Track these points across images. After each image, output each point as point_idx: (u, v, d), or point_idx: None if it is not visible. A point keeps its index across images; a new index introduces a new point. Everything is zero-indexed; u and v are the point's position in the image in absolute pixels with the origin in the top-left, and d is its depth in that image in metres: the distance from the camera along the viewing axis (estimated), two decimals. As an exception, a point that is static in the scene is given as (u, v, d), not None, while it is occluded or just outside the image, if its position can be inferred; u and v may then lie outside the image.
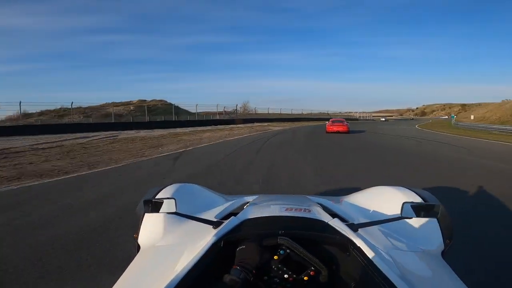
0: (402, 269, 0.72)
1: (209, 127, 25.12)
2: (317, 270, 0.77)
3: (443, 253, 0.96)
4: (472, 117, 47.30)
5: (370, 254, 0.71)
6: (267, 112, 45.68)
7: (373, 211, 1.20)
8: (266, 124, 34.01)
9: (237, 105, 42.38)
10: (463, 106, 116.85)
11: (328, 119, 22.21)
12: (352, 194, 1.54)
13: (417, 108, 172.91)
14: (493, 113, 42.09)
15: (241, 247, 0.79)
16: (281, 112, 49.26)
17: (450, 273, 0.81)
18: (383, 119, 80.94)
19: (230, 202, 1.35)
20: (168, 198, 1.01)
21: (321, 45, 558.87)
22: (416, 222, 1.00)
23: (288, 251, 0.77)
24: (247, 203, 1.27)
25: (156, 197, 1.20)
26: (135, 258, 0.94)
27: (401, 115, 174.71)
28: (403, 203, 0.95)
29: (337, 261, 0.81)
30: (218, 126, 27.82)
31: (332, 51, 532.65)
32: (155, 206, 0.99)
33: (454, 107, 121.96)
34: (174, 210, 0.99)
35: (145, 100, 43.30)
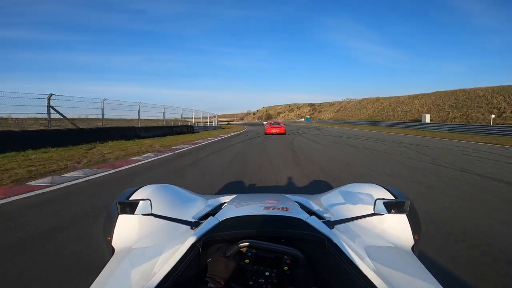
0: (376, 264, 0.75)
1: None
2: (292, 257, 0.78)
3: (413, 248, 0.98)
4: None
5: (345, 250, 0.74)
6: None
7: (348, 208, 1.19)
8: None
9: None
10: (312, 105, 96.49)
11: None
12: (328, 192, 1.55)
13: (257, 110, 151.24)
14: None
15: (209, 260, 0.81)
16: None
17: (420, 266, 0.83)
18: (265, 122, 61.34)
19: (208, 202, 1.32)
20: (143, 199, 0.96)
21: (162, 50, 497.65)
22: (387, 218, 1.02)
23: (254, 251, 0.78)
24: (225, 203, 1.26)
25: (131, 198, 1.16)
26: (109, 262, 0.89)
27: (242, 119, 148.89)
28: (375, 200, 0.97)
29: (315, 257, 0.82)
30: None
31: (173, 57, 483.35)
32: (129, 208, 0.95)
33: (303, 108, 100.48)
34: (149, 211, 0.95)
35: None
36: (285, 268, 0.78)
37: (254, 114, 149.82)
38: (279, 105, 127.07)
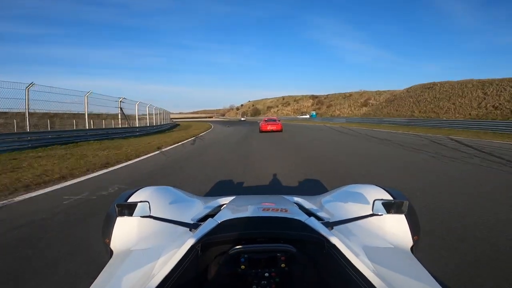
0: (375, 265, 0.74)
1: None
2: (285, 253, 0.78)
3: (412, 248, 0.97)
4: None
5: (344, 251, 0.73)
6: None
7: (347, 208, 1.19)
8: None
9: None
10: (315, 97, 70.41)
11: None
12: (327, 192, 1.52)
13: (242, 105, 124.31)
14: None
15: (208, 271, 0.82)
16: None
17: (419, 267, 0.82)
18: (243, 119, 60.27)
19: (207, 204, 1.31)
20: (141, 202, 0.96)
21: (143, 45, 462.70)
22: (386, 218, 1.01)
23: (246, 255, 0.79)
24: (224, 204, 1.25)
25: (129, 200, 1.15)
26: (108, 264, 0.89)
27: (223, 115, 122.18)
28: (374, 200, 0.96)
29: (314, 258, 0.83)
30: None
31: (154, 52, 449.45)
32: (128, 210, 0.95)
33: (302, 100, 74.16)
34: (148, 213, 0.95)
35: None
36: (282, 265, 0.79)
37: (237, 109, 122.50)
38: (269, 98, 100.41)
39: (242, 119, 64.64)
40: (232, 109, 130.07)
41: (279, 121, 17.80)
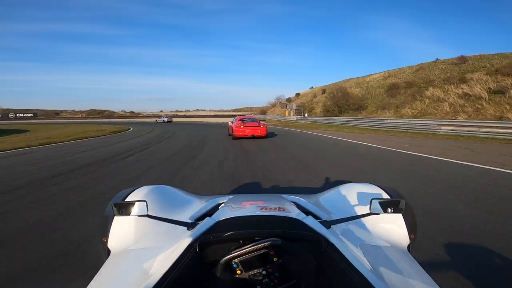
0: (372, 264, 0.75)
1: None
2: (273, 247, 0.78)
3: (409, 247, 0.98)
4: None
5: (342, 250, 0.73)
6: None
7: (344, 207, 1.18)
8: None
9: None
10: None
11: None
12: (325, 191, 1.52)
13: (297, 95, 66.69)
14: None
15: (206, 270, 0.82)
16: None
17: (416, 266, 0.83)
18: (166, 119, 41.82)
19: (204, 203, 1.30)
20: (139, 201, 0.96)
21: (206, 45, 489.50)
22: (383, 217, 1.01)
23: (237, 260, 0.79)
24: (222, 203, 1.25)
25: (126, 199, 1.15)
26: (105, 263, 0.90)
27: (265, 113, 67.71)
28: (371, 200, 0.96)
29: (312, 257, 0.83)
30: None
31: (217, 52, 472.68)
32: (125, 209, 0.95)
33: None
34: (145, 212, 0.95)
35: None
36: (275, 259, 0.80)
37: (289, 101, 65.52)
38: (369, 75, 40.17)
39: (165, 119, 39.77)
40: (280, 102, 72.91)
41: (262, 122, 12.56)
